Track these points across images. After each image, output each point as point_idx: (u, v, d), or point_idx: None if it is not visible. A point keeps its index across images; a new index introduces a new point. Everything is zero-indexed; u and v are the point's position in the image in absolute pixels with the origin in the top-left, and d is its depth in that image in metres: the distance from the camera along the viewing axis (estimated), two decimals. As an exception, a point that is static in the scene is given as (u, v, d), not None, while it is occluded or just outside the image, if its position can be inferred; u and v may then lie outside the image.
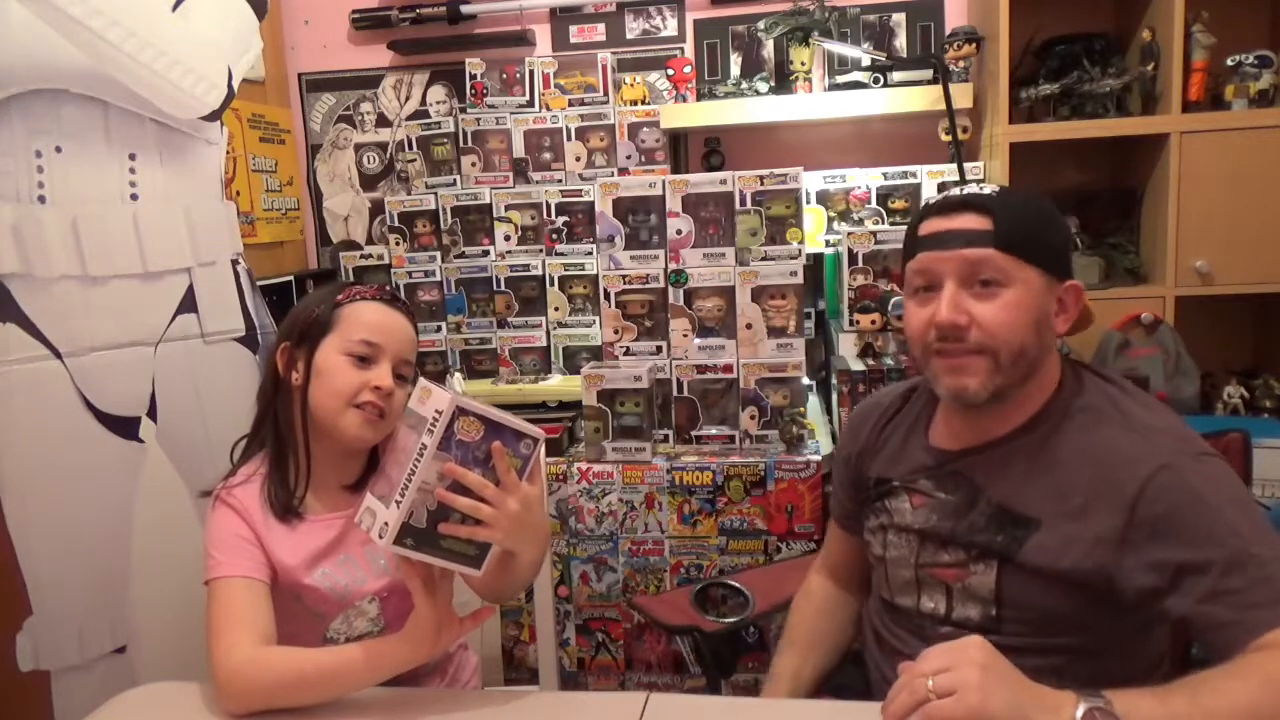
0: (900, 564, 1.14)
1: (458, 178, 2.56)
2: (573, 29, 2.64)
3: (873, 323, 2.13)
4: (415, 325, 1.32)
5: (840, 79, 2.42)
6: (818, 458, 1.97)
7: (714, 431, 2.11)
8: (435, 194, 2.53)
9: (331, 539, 1.25)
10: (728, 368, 2.07)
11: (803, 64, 2.39)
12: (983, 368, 1.03)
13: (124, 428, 1.77)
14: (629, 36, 2.62)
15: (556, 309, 2.45)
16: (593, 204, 2.33)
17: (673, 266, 2.08)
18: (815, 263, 2.29)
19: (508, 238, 2.49)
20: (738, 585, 1.73)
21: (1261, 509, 0.95)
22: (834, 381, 2.18)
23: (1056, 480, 1.02)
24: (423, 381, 1.00)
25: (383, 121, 2.76)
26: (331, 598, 1.23)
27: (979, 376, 1.03)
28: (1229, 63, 2.13)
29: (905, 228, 1.16)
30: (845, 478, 1.29)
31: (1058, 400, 1.07)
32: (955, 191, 1.10)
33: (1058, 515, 1.01)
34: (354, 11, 2.69)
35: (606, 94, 2.51)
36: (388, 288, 1.32)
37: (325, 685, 1.08)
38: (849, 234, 2.16)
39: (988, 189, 1.08)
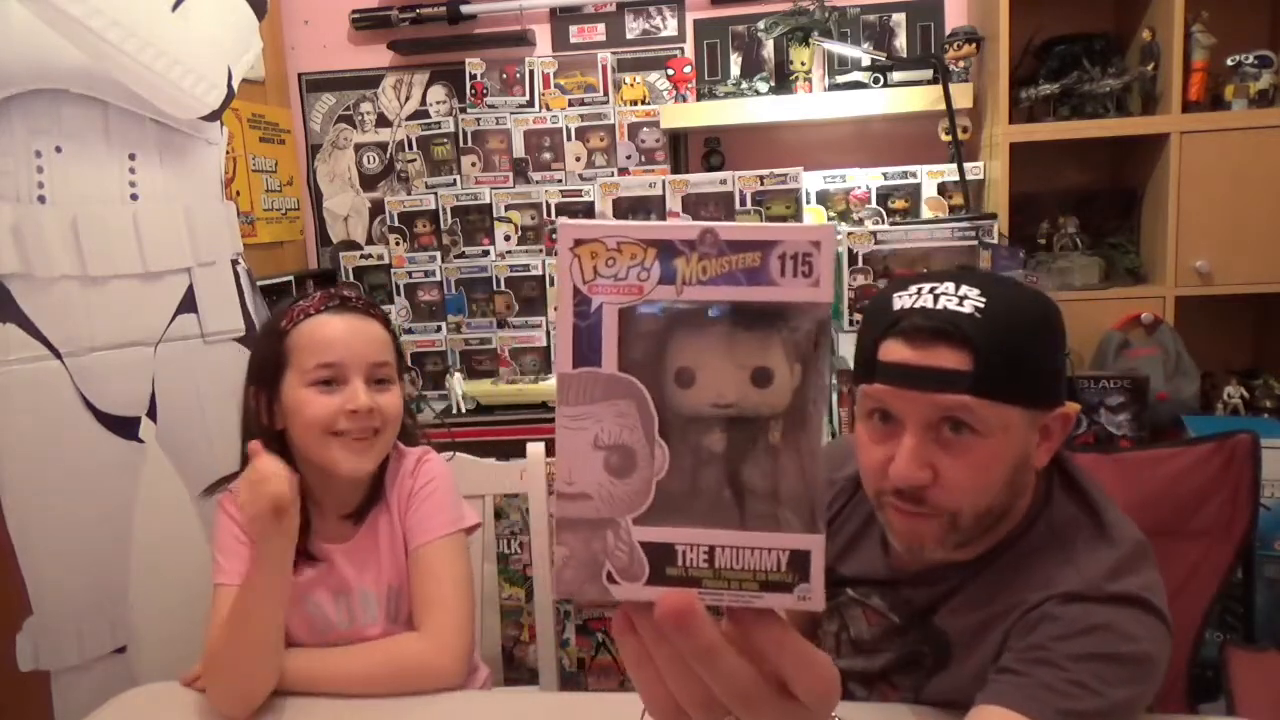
0: (852, 674, 1.06)
1: (458, 178, 2.56)
2: (573, 29, 2.64)
3: (873, 323, 2.12)
4: (383, 318, 1.20)
5: (840, 79, 2.41)
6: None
7: (714, 431, 2.10)
8: (435, 194, 2.52)
9: (324, 571, 1.20)
10: (728, 368, 2.06)
11: (803, 64, 2.39)
12: (940, 529, 0.89)
13: (124, 428, 1.77)
14: (629, 36, 2.62)
15: (556, 309, 2.44)
16: (593, 204, 2.33)
17: (673, 266, 2.08)
18: (815, 263, 2.28)
19: (508, 238, 2.49)
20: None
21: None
22: (834, 381, 2.18)
23: (989, 615, 0.92)
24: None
25: (383, 121, 2.76)
26: (312, 631, 1.19)
27: (934, 536, 0.90)
28: (1229, 63, 2.13)
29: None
30: None
31: (1022, 526, 0.95)
32: (926, 301, 0.87)
33: (976, 656, 0.92)
34: (354, 11, 2.69)
35: (606, 94, 2.51)
36: (338, 291, 1.20)
37: (244, 616, 1.06)
38: (849, 234, 2.16)
39: (969, 304, 0.85)
